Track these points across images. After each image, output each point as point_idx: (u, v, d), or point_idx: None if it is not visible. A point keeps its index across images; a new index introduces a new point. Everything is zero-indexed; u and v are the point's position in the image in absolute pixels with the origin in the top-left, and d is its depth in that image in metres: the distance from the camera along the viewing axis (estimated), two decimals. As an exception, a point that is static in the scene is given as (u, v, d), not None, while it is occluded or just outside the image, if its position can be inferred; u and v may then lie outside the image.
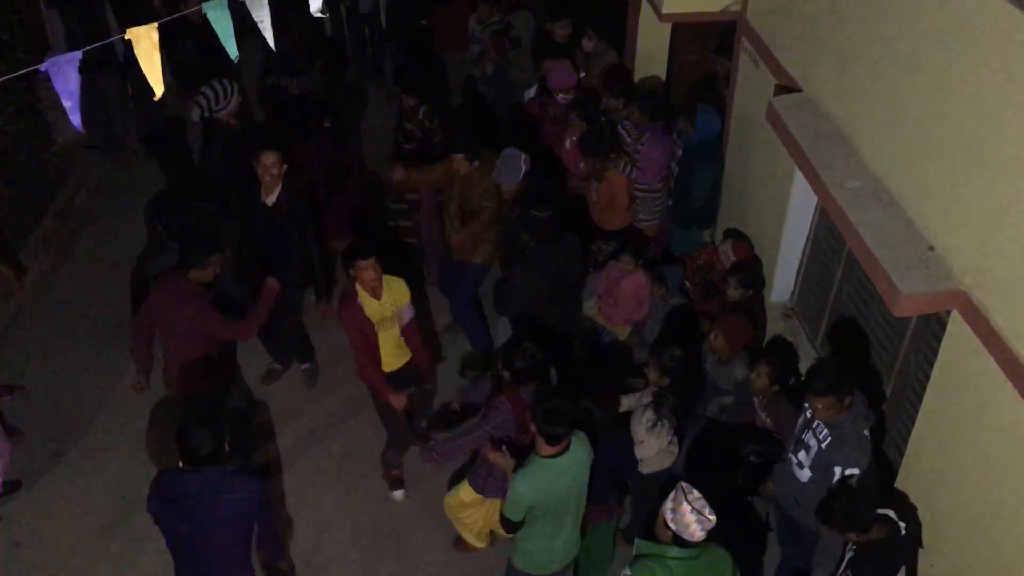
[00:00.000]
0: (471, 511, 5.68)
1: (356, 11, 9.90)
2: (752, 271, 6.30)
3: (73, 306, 7.69)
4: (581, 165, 7.28)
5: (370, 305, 5.50)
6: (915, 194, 4.74)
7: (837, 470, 4.73)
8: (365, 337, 5.55)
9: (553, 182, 7.02)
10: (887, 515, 4.55)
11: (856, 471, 4.71)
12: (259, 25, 2.67)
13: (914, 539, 4.71)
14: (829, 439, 4.76)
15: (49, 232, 8.01)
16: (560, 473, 4.57)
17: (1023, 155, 3.92)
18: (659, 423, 5.32)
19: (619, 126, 7.22)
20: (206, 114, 7.17)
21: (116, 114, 9.00)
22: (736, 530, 5.21)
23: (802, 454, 4.93)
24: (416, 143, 7.46)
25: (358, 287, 5.47)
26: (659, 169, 7.08)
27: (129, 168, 9.19)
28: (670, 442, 5.41)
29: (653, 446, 5.37)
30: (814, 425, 4.85)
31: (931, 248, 4.57)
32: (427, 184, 6.98)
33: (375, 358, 5.65)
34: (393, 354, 5.75)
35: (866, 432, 4.77)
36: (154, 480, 4.47)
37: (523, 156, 6.38)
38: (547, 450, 4.51)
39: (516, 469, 4.65)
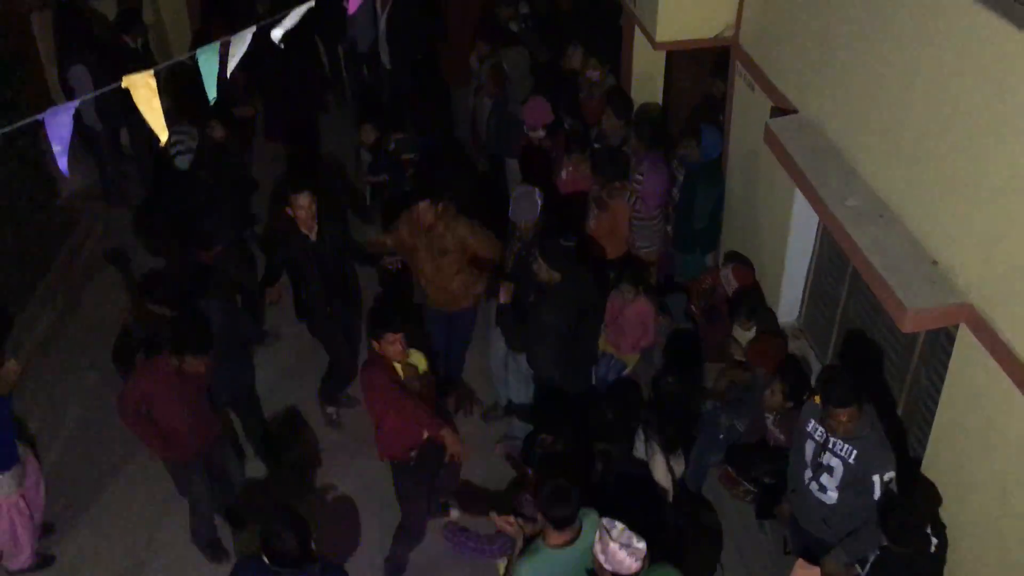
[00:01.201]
0: None
1: (354, 51, 10.02)
2: (749, 301, 6.31)
3: (81, 356, 7.69)
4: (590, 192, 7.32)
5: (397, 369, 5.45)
6: (916, 209, 4.74)
7: (876, 478, 4.67)
8: (400, 395, 5.37)
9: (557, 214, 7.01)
10: (926, 532, 4.55)
11: (892, 474, 4.67)
12: (230, 59, 2.75)
13: (941, 557, 4.66)
14: (855, 452, 4.70)
15: (55, 283, 8.06)
16: (568, 566, 4.19)
17: (1021, 167, 3.93)
18: (648, 442, 5.35)
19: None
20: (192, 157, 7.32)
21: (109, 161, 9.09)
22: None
23: (825, 478, 4.87)
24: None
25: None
26: (659, 198, 7.11)
27: (134, 216, 9.25)
28: (670, 458, 5.43)
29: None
30: (831, 445, 4.79)
31: (935, 263, 4.57)
32: (398, 245, 6.65)
33: (419, 406, 5.43)
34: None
35: (882, 432, 4.75)
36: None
37: (537, 191, 6.30)
38: (555, 538, 4.18)
39: (522, 552, 4.36)
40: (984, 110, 4.12)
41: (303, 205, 6.17)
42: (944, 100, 4.39)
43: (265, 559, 4.10)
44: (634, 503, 4.97)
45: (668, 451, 5.45)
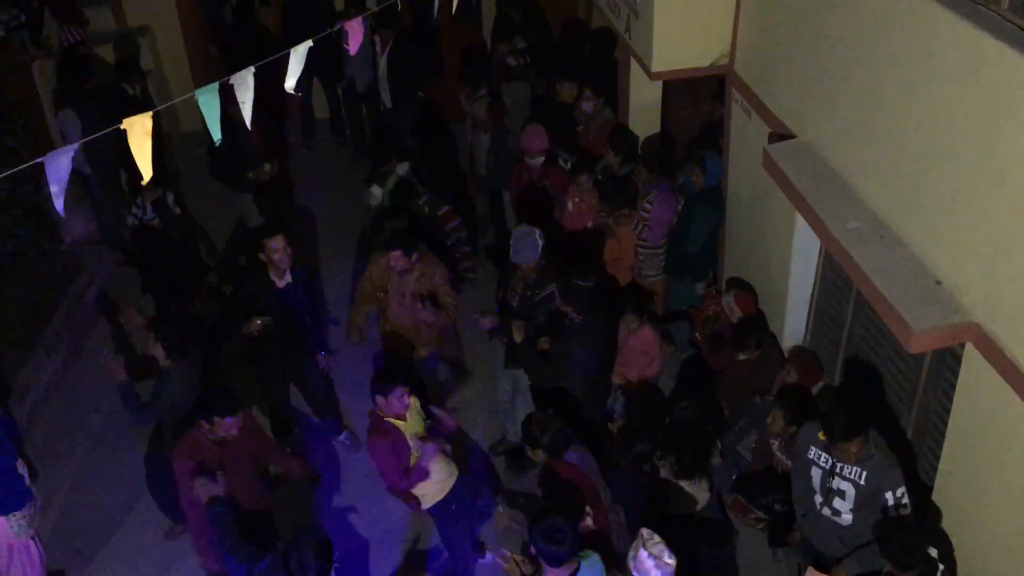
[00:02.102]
0: None
1: (353, 90, 10.10)
2: (753, 330, 6.30)
3: (87, 402, 7.67)
4: (589, 225, 7.32)
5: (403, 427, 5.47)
6: (917, 230, 4.75)
7: (888, 495, 4.67)
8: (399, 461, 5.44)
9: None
10: (928, 554, 4.49)
11: (904, 489, 4.67)
12: (241, 106, 2.78)
13: None
14: (865, 474, 4.71)
15: (60, 329, 8.06)
16: None
17: (1021, 184, 3.94)
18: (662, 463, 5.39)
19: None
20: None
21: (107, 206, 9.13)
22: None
23: (837, 502, 4.86)
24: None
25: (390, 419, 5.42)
26: (665, 227, 7.13)
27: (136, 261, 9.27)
28: (693, 482, 5.41)
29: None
30: (840, 470, 4.78)
31: (938, 283, 4.56)
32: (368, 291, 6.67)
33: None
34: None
35: (885, 448, 4.75)
36: None
37: (537, 231, 6.19)
38: (551, 574, 4.15)
39: None
40: (982, 130, 4.13)
41: (278, 248, 6.15)
42: (942, 120, 4.41)
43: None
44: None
45: (687, 476, 5.46)
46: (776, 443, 5.68)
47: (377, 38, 9.34)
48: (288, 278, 6.31)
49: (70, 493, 6.92)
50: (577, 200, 7.38)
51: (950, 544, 4.85)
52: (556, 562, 4.08)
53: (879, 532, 4.54)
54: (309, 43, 2.84)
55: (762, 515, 5.65)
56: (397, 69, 9.35)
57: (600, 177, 7.50)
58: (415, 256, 6.31)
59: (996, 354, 4.23)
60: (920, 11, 4.43)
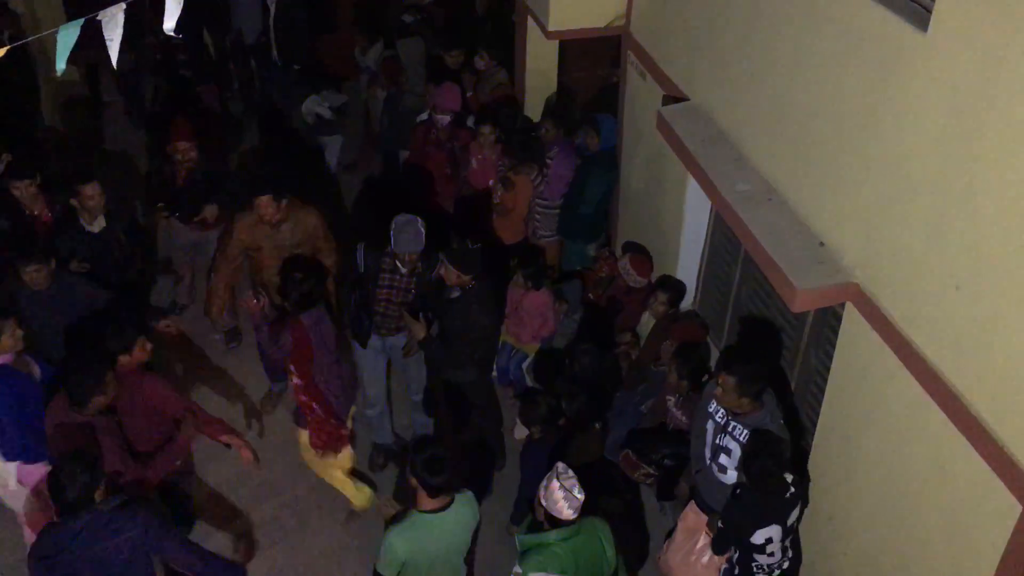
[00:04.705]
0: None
1: (241, 44, 9.73)
2: (680, 289, 6.38)
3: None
4: (491, 183, 7.27)
5: None
6: (802, 192, 4.86)
7: None
8: None
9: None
10: (783, 478, 4.71)
11: None
12: (108, 44, 2.64)
13: (794, 501, 4.79)
14: (750, 437, 4.81)
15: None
16: (439, 532, 4.36)
17: (900, 150, 4.06)
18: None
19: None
20: None
21: None
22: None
23: (723, 459, 4.97)
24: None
25: None
26: (565, 185, 7.14)
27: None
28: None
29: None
30: (731, 428, 4.89)
31: (822, 244, 4.69)
32: (233, 249, 6.20)
33: None
34: None
35: (781, 422, 4.86)
36: (32, 547, 4.25)
37: (419, 220, 5.76)
38: (428, 504, 4.32)
39: (394, 520, 4.41)
40: (865, 95, 4.23)
41: (93, 195, 6.14)
42: (828, 85, 4.50)
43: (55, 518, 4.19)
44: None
45: (582, 426, 5.54)
46: (673, 399, 5.79)
47: None
48: (102, 222, 6.26)
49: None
50: (480, 157, 7.33)
51: (809, 476, 5.09)
52: (436, 493, 4.28)
53: (748, 448, 4.73)
54: (185, -20, 2.69)
55: (651, 470, 5.76)
56: (286, 20, 8.99)
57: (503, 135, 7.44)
58: (284, 203, 5.98)
59: (874, 313, 4.39)
60: (809, -24, 4.50)
